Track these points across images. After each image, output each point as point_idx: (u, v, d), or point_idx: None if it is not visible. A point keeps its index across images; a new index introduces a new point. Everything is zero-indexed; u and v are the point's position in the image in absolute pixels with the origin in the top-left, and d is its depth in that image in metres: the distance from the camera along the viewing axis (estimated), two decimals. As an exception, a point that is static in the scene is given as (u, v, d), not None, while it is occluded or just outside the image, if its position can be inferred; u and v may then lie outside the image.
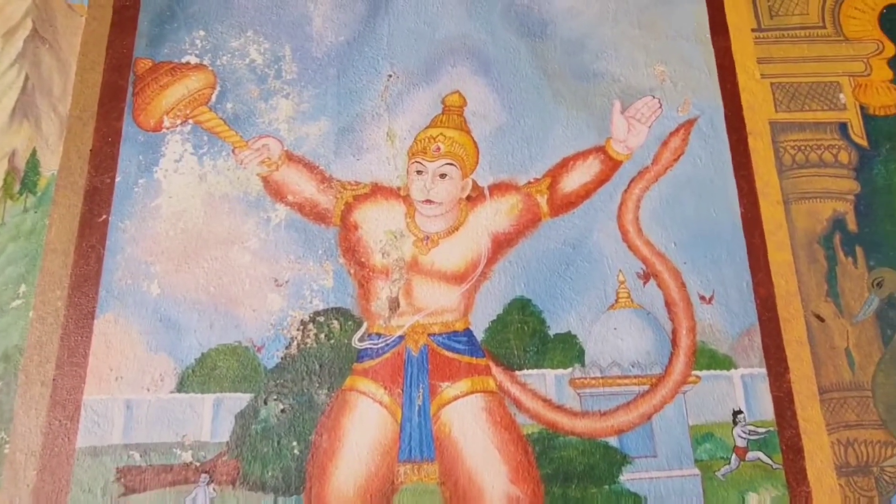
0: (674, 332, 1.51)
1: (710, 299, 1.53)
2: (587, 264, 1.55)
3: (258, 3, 1.76)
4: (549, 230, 1.57)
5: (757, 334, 1.50)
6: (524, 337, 1.50)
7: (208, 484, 1.38)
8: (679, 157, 1.63)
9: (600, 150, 1.63)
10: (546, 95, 1.68)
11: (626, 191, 1.60)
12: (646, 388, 1.47)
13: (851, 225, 1.60)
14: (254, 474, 1.39)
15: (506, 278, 1.54)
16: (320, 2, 1.77)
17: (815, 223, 1.60)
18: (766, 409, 1.45)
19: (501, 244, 1.56)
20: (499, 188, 1.60)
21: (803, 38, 1.75)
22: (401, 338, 1.48)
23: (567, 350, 1.49)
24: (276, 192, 1.60)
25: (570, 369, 1.48)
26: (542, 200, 1.59)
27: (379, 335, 1.49)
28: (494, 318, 1.51)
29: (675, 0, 1.78)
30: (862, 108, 1.69)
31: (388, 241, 1.56)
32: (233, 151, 1.63)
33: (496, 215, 1.58)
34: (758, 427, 1.44)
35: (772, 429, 1.44)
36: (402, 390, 1.44)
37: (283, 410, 1.43)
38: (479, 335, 1.50)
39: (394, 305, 1.51)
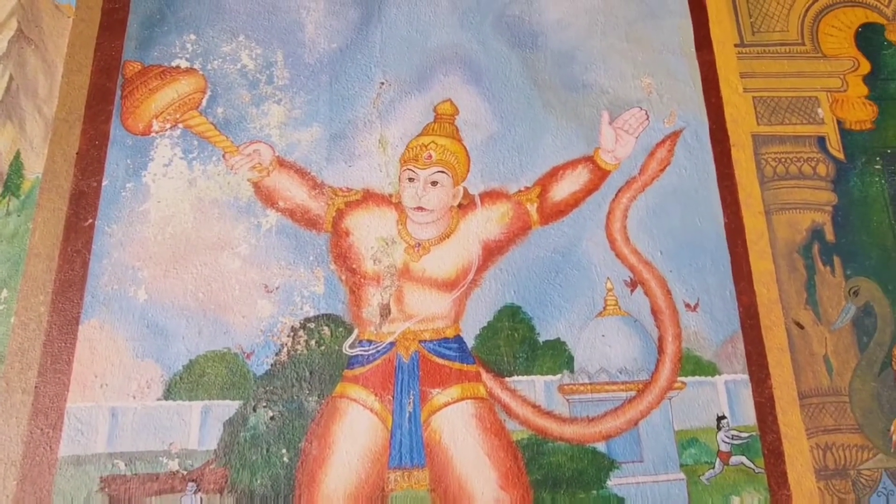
0: (660, 339, 1.54)
1: (695, 307, 1.56)
2: (576, 272, 1.57)
3: (250, 8, 1.75)
4: (539, 238, 1.59)
5: (740, 341, 1.54)
6: (514, 344, 1.51)
7: (195, 492, 1.36)
8: (665, 167, 1.67)
9: (589, 159, 1.66)
10: (536, 105, 1.71)
11: (613, 200, 1.63)
12: (633, 394, 1.49)
13: (829, 235, 1.65)
14: (242, 482, 1.38)
15: (496, 285, 1.55)
16: (313, 9, 1.77)
17: (794, 233, 1.64)
18: (748, 414, 1.49)
19: (492, 252, 1.58)
20: (490, 196, 1.62)
21: (783, 54, 1.81)
22: (392, 344, 1.49)
23: (556, 357, 1.51)
24: (267, 197, 1.59)
25: (559, 375, 1.50)
26: (532, 209, 1.61)
27: (370, 342, 1.49)
28: (485, 324, 1.52)
29: (661, 15, 1.82)
30: (839, 122, 1.75)
31: (380, 247, 1.56)
32: (223, 156, 1.62)
33: (487, 223, 1.60)
34: (741, 432, 1.47)
35: (754, 433, 1.47)
36: (393, 397, 1.44)
37: (272, 417, 1.42)
38: (470, 342, 1.51)
39: (385, 312, 1.51)
